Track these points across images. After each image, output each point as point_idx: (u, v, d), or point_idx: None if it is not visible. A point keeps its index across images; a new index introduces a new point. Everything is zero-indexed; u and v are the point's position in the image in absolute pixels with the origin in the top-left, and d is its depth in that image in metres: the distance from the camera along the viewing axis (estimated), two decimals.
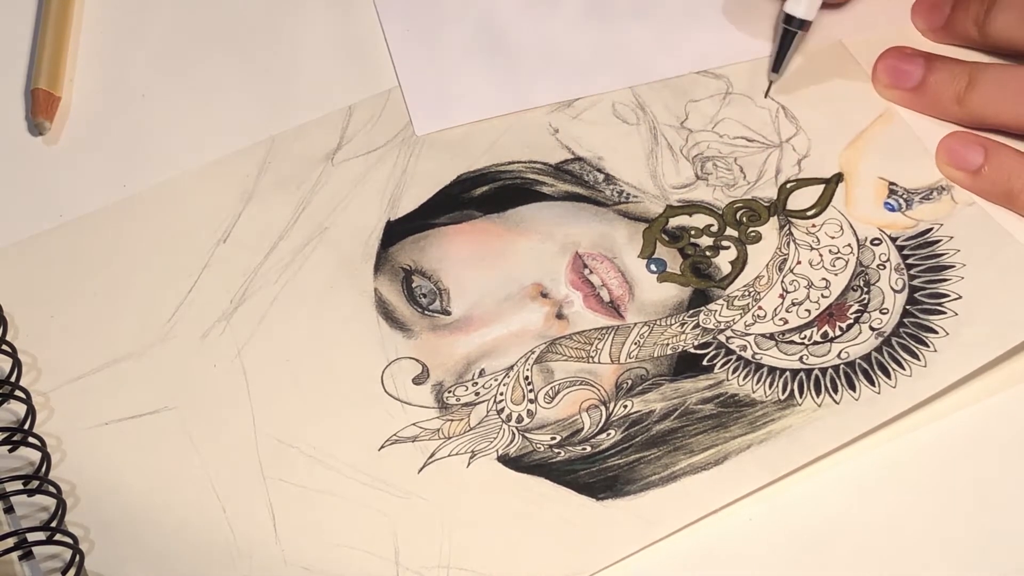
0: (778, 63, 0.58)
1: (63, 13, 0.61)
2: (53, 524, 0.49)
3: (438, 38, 0.62)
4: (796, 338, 0.53)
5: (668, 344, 0.53)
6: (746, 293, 0.54)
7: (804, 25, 0.57)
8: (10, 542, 0.49)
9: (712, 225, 0.56)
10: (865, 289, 0.54)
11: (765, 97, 0.58)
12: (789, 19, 0.57)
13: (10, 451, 0.51)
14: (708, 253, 0.55)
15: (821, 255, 0.55)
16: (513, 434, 0.51)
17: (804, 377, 0.52)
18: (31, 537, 0.48)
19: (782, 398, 0.51)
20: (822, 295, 0.54)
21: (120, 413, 0.52)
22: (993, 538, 0.49)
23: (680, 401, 0.52)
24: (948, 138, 0.56)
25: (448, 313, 0.54)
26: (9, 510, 0.50)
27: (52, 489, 0.50)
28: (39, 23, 0.61)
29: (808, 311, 0.54)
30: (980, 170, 0.55)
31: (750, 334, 0.53)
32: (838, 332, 0.53)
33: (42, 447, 0.51)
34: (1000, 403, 0.52)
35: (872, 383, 0.51)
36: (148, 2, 0.63)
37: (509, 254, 0.55)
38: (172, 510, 0.50)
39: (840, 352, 0.52)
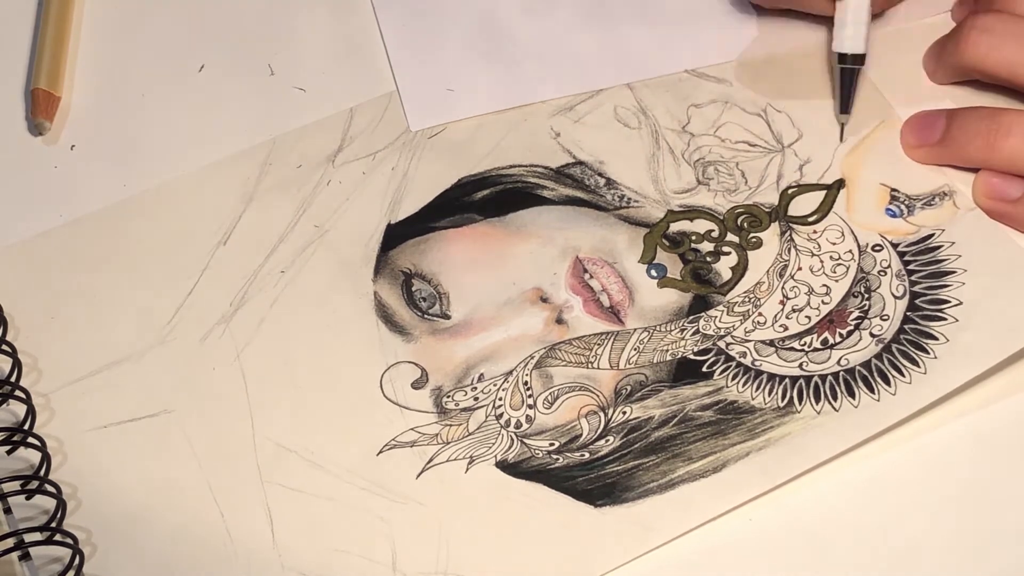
0: (844, 103, 0.57)
1: (63, 13, 0.61)
2: (53, 525, 0.49)
3: (434, 33, 0.61)
4: (796, 345, 0.53)
5: (668, 350, 0.53)
6: (746, 299, 0.54)
7: (858, 59, 0.56)
8: (10, 542, 0.49)
9: (713, 230, 0.56)
10: (866, 295, 0.54)
11: (841, 142, 0.57)
12: (841, 57, 0.57)
13: (9, 452, 0.51)
14: (709, 259, 0.55)
15: (822, 261, 0.55)
16: (512, 440, 0.51)
17: (804, 384, 0.52)
18: (31, 537, 0.48)
19: (781, 405, 0.51)
20: (822, 301, 0.54)
21: (120, 416, 0.52)
22: (991, 544, 0.49)
23: (679, 408, 0.52)
24: (985, 171, 0.56)
25: (448, 317, 0.54)
26: (9, 511, 0.50)
27: (52, 489, 0.50)
28: (39, 23, 0.61)
29: (808, 317, 0.53)
30: (1021, 200, 0.55)
31: (750, 340, 0.53)
32: (838, 339, 0.53)
33: (42, 447, 0.51)
34: (1000, 410, 0.52)
35: (872, 390, 0.51)
36: (148, 2, 0.63)
37: (509, 258, 0.55)
38: (170, 513, 0.50)
39: (840, 359, 0.52)
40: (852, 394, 0.51)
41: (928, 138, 0.56)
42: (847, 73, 0.57)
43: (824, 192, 0.56)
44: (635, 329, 0.54)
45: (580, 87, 0.59)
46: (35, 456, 0.51)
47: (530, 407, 0.52)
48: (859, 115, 0.58)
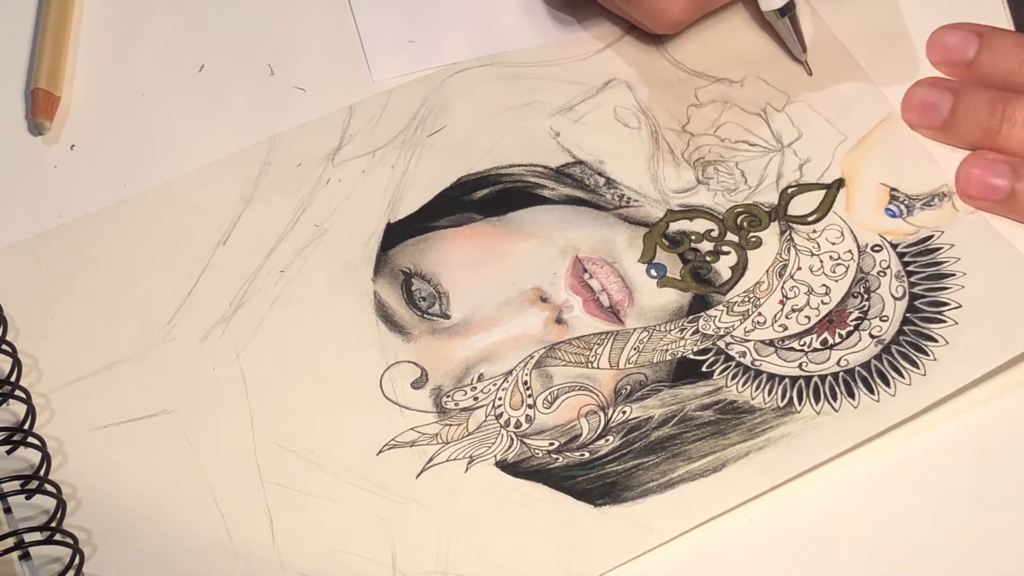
0: (800, 44, 0.58)
1: (63, 13, 0.61)
2: (53, 525, 0.49)
3: None
4: (796, 345, 0.53)
5: (667, 350, 0.53)
6: (746, 299, 0.54)
7: (789, 6, 0.57)
8: (10, 542, 0.49)
9: (713, 230, 0.56)
10: (865, 296, 0.54)
11: (810, 75, 0.59)
12: (777, 13, 0.57)
13: (9, 452, 0.51)
14: (708, 258, 0.55)
15: (821, 261, 0.55)
16: (511, 439, 0.52)
17: (803, 384, 0.52)
18: (31, 537, 0.48)
19: (781, 405, 0.51)
20: (822, 301, 0.54)
21: (120, 416, 0.52)
22: (991, 544, 0.49)
23: (679, 407, 0.52)
24: (968, 163, 0.55)
25: (447, 317, 0.54)
26: (9, 511, 0.50)
27: (52, 489, 0.50)
28: (39, 23, 0.61)
29: (808, 317, 0.53)
30: (1012, 192, 0.54)
31: (749, 340, 0.53)
32: (838, 339, 0.53)
33: (42, 447, 0.51)
34: (999, 411, 0.52)
35: (871, 391, 0.51)
36: (148, 2, 0.62)
37: (509, 258, 0.55)
38: (170, 514, 0.50)
39: (839, 359, 0.52)
40: (852, 395, 0.51)
41: (931, 121, 0.56)
42: (789, 20, 0.58)
43: (824, 191, 0.56)
44: (635, 329, 0.54)
45: (543, 39, 0.61)
46: (35, 456, 0.51)
47: (530, 407, 0.52)
48: (859, 115, 0.58)
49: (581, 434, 0.52)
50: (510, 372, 0.53)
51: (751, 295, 0.54)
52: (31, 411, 0.52)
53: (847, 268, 0.54)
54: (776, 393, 0.52)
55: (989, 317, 0.52)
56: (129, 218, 0.57)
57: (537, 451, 0.51)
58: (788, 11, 0.58)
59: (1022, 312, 0.52)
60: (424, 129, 0.59)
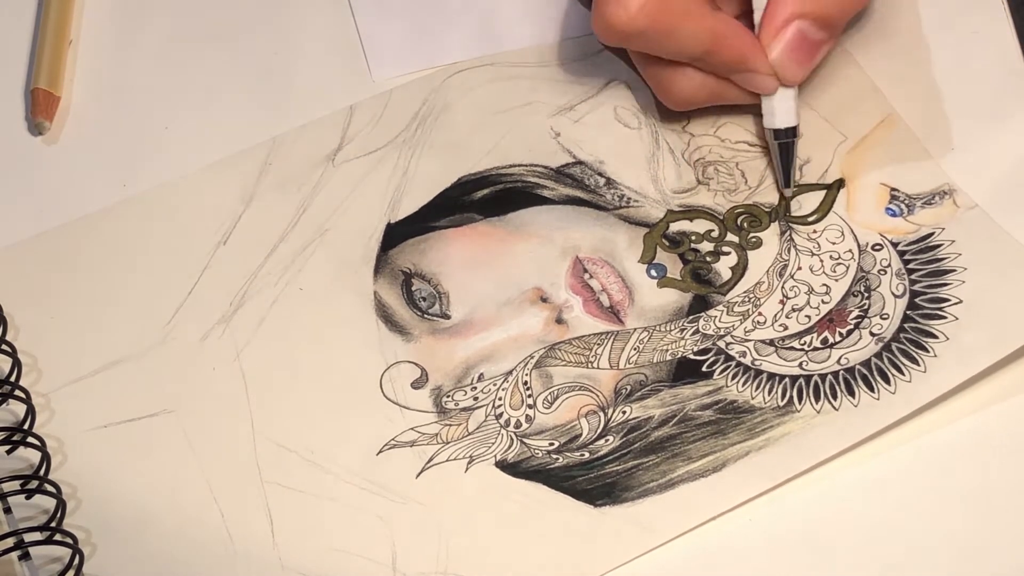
0: (787, 178, 0.56)
1: (63, 13, 0.61)
2: (53, 524, 0.49)
3: None
4: (796, 344, 0.53)
5: (667, 350, 0.53)
6: (746, 299, 0.54)
7: (791, 132, 0.55)
8: (9, 542, 0.49)
9: (713, 230, 0.56)
10: (866, 295, 0.54)
11: (784, 217, 0.56)
12: (776, 133, 0.55)
13: (9, 452, 0.51)
14: (708, 259, 0.55)
15: (822, 261, 0.55)
16: (511, 439, 0.52)
17: (804, 383, 0.52)
18: (31, 537, 0.48)
19: (781, 405, 0.51)
20: (822, 301, 0.54)
21: (120, 416, 0.52)
22: (992, 545, 0.49)
23: (679, 407, 0.52)
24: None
25: (448, 317, 0.54)
26: (9, 511, 0.50)
27: (52, 489, 0.50)
28: (39, 23, 0.61)
29: (808, 317, 0.53)
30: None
31: (750, 340, 0.53)
32: (838, 338, 0.53)
33: (42, 447, 0.51)
34: (1000, 411, 0.52)
35: (872, 389, 0.51)
36: (148, 2, 0.63)
37: (509, 258, 0.55)
38: (170, 513, 0.50)
39: (840, 358, 0.52)
40: (852, 393, 0.51)
41: None
42: (784, 147, 0.55)
43: (824, 192, 0.56)
44: (635, 329, 0.54)
45: (544, 39, 0.61)
46: (35, 456, 0.51)
47: (530, 407, 0.52)
48: (859, 115, 0.58)
49: (581, 434, 0.52)
50: (510, 372, 0.53)
51: (751, 295, 0.54)
52: (31, 411, 0.52)
53: (847, 267, 0.54)
54: (776, 392, 0.52)
55: (990, 311, 0.52)
56: (129, 218, 0.57)
57: (537, 451, 0.51)
58: (782, 138, 0.55)
59: (1022, 306, 0.52)
60: (424, 129, 0.59)
